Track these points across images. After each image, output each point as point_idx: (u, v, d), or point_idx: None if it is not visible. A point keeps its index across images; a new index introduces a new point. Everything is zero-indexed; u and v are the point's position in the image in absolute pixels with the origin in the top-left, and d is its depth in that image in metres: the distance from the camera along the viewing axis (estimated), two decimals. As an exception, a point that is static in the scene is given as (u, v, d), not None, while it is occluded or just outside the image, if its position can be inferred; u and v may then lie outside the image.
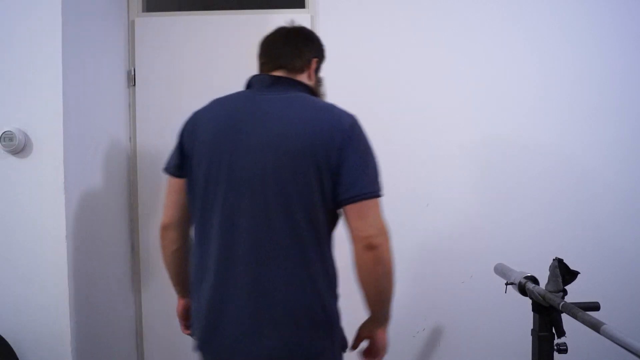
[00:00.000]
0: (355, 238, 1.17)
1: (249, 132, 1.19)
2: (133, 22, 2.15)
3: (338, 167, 1.16)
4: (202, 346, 1.25)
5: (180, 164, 1.28)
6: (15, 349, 1.57)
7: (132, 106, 2.17)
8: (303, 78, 1.33)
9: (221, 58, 2.15)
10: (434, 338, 2.17)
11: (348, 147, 1.17)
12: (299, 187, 1.16)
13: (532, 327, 1.45)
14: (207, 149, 1.22)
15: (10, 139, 1.55)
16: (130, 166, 2.17)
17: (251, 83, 1.32)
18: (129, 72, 2.16)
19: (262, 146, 1.18)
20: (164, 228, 1.35)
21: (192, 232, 1.33)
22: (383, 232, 1.17)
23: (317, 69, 1.39)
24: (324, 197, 1.18)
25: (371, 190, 1.18)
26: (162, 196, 2.11)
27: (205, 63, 2.15)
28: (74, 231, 1.64)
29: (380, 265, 1.17)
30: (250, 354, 1.17)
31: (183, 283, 1.42)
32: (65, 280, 1.58)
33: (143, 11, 2.21)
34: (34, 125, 1.58)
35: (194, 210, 1.27)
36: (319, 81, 1.42)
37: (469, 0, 2.15)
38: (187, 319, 1.47)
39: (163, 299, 2.16)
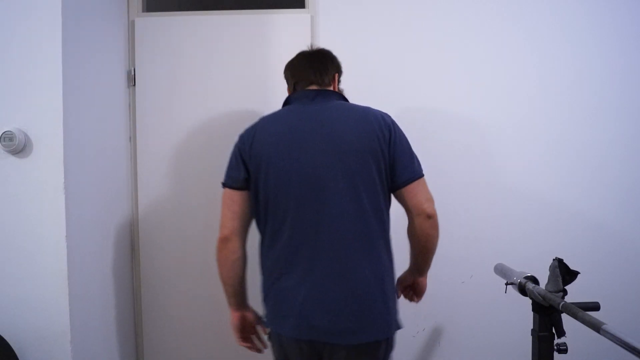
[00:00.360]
0: (417, 212, 1.40)
1: (311, 138, 1.37)
2: (133, 22, 2.15)
3: (392, 157, 1.39)
4: (295, 329, 1.35)
5: (247, 176, 1.42)
6: (15, 349, 1.57)
7: (132, 106, 2.17)
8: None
9: (221, 58, 2.15)
10: (434, 338, 2.17)
11: (396, 139, 1.40)
12: (364, 179, 1.36)
13: (532, 327, 1.45)
14: (276, 158, 1.38)
15: (10, 139, 1.55)
16: (131, 166, 2.17)
17: (292, 99, 1.49)
18: (129, 72, 2.16)
19: (326, 148, 1.36)
20: (225, 240, 1.44)
21: (261, 235, 1.45)
22: (433, 202, 1.42)
23: (339, 82, 1.60)
24: (382, 185, 1.39)
25: (419, 171, 1.43)
26: (161, 196, 2.15)
27: (205, 63, 2.15)
28: (74, 231, 1.64)
29: (435, 230, 1.43)
30: (340, 326, 1.33)
31: (241, 294, 1.52)
32: (65, 280, 1.58)
33: (143, 11, 2.21)
34: (34, 125, 1.58)
35: (265, 213, 1.41)
36: (341, 92, 1.60)
37: (469, 0, 2.15)
38: (243, 331, 1.56)
39: (163, 299, 2.17)
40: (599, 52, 2.15)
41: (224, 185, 1.47)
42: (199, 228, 2.16)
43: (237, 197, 1.44)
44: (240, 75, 2.15)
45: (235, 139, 1.50)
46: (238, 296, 1.52)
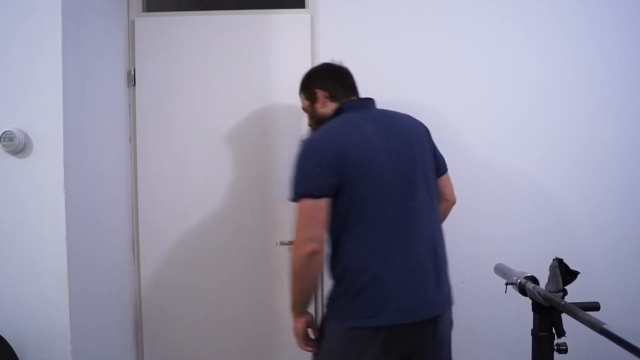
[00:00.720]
0: (447, 198, 1.70)
1: (391, 139, 1.51)
2: (133, 22, 2.15)
3: (434, 150, 1.63)
4: (408, 313, 1.44)
5: (339, 183, 1.45)
6: (15, 349, 1.57)
7: (132, 106, 2.17)
8: None
9: (221, 58, 2.15)
10: (434, 338, 2.17)
11: (430, 135, 1.65)
12: (430, 171, 1.57)
13: (532, 327, 1.44)
14: (373, 159, 1.48)
15: (10, 139, 1.55)
16: (131, 166, 2.17)
17: (346, 107, 1.59)
18: (129, 72, 2.16)
19: (403, 146, 1.52)
20: (314, 253, 1.43)
21: (351, 231, 1.47)
22: None
23: None
24: (435, 174, 1.61)
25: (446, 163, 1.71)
26: (161, 195, 2.15)
27: (205, 63, 2.15)
28: (74, 231, 1.64)
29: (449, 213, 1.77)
30: (438, 303, 1.49)
31: (311, 300, 1.57)
32: (65, 280, 1.59)
33: (143, 11, 2.21)
34: (34, 125, 1.58)
35: (360, 212, 1.46)
36: None
37: (469, 0, 2.15)
38: (306, 334, 1.59)
39: (163, 299, 2.17)
40: (599, 52, 2.15)
41: (305, 195, 1.44)
42: (199, 228, 2.16)
43: (323, 206, 1.44)
44: (240, 75, 2.15)
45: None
46: (309, 303, 1.56)
